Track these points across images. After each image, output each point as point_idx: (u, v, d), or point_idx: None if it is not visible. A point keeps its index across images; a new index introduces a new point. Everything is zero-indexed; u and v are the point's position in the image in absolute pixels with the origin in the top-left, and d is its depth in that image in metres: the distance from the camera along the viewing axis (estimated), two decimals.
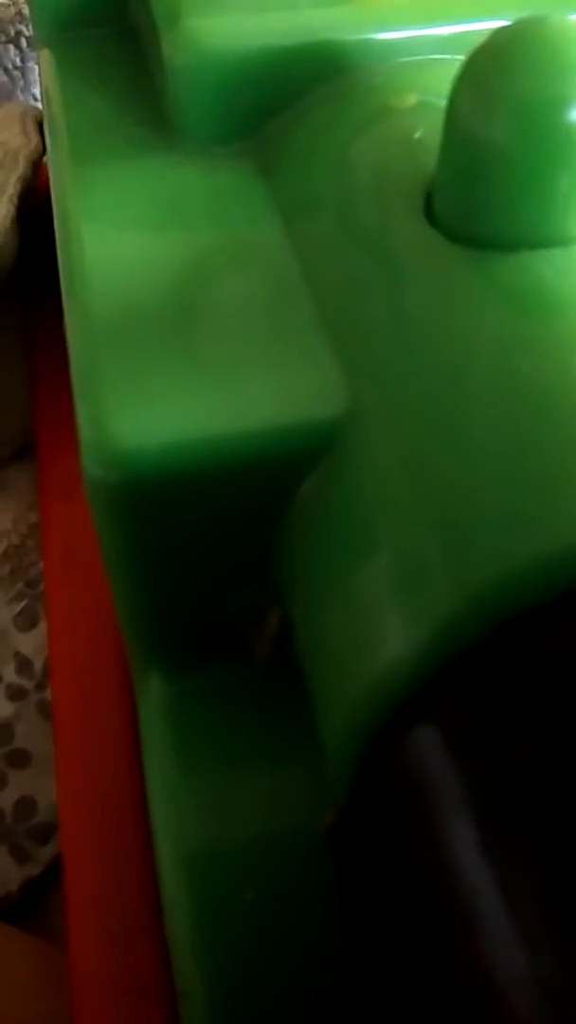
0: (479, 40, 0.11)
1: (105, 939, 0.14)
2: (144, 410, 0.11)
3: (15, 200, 0.24)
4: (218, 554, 0.12)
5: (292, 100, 0.14)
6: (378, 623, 0.10)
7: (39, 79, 0.16)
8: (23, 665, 0.21)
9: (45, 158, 0.23)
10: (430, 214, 0.12)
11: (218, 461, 0.11)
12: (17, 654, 0.21)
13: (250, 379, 0.11)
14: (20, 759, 0.20)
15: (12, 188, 0.24)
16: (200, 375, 0.11)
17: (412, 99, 0.14)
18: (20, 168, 0.25)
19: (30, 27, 0.30)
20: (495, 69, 0.11)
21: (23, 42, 0.34)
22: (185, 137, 0.14)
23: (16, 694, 0.21)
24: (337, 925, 0.12)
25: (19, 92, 0.35)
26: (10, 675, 0.21)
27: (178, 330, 0.12)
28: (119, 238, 0.13)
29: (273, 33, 0.14)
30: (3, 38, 0.33)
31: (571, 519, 0.09)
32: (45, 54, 0.16)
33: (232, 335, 0.12)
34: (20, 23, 0.33)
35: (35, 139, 0.26)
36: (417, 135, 0.13)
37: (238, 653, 0.14)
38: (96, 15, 0.16)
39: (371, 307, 0.12)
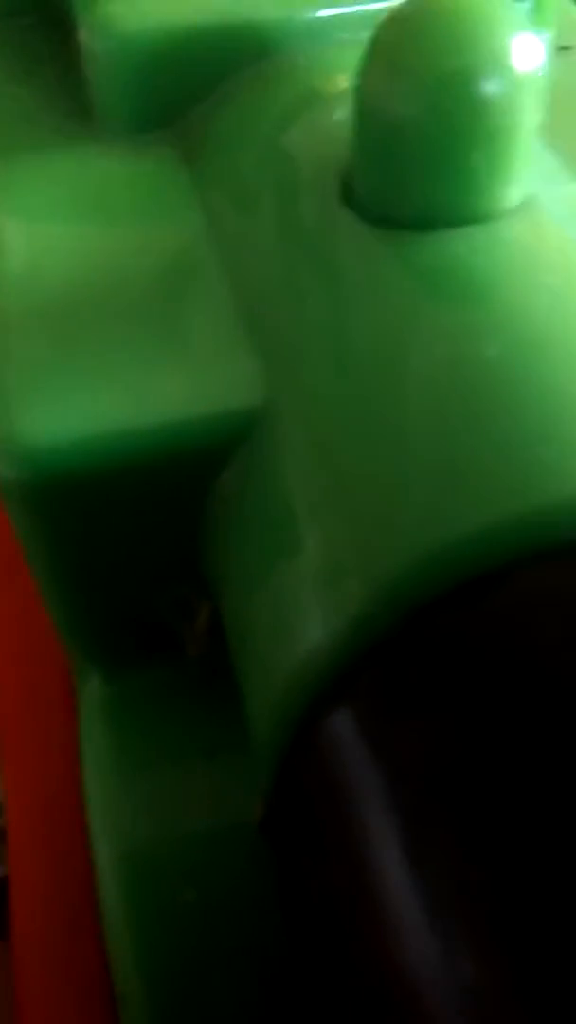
0: None
1: (48, 943, 0.14)
2: (54, 406, 0.11)
3: None
4: (141, 551, 0.12)
5: (215, 84, 0.14)
6: (298, 615, 0.10)
7: None
8: None
9: None
10: (347, 197, 0.12)
11: (132, 454, 0.11)
12: None
13: (164, 372, 0.11)
14: None
15: None
16: (110, 369, 0.11)
17: (336, 81, 0.13)
18: None
19: None
20: (401, 43, 0.10)
21: None
22: (107, 126, 0.14)
23: None
24: (278, 924, 0.12)
25: None
26: None
27: (87, 324, 0.11)
28: (33, 231, 0.13)
29: (193, 14, 0.13)
30: None
31: (476, 508, 0.09)
32: None
33: (143, 328, 0.11)
34: None
35: None
36: (336, 117, 0.12)
37: (174, 651, 0.13)
38: (19, 4, 0.16)
39: (284, 293, 0.11)
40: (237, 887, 0.13)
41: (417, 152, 0.11)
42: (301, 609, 0.10)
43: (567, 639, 0.08)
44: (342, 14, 0.14)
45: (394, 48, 0.10)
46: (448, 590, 0.09)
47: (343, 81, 0.13)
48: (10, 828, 0.15)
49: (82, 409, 0.11)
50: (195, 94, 0.14)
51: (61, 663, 0.15)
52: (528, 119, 0.11)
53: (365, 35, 0.14)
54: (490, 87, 0.10)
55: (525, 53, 0.10)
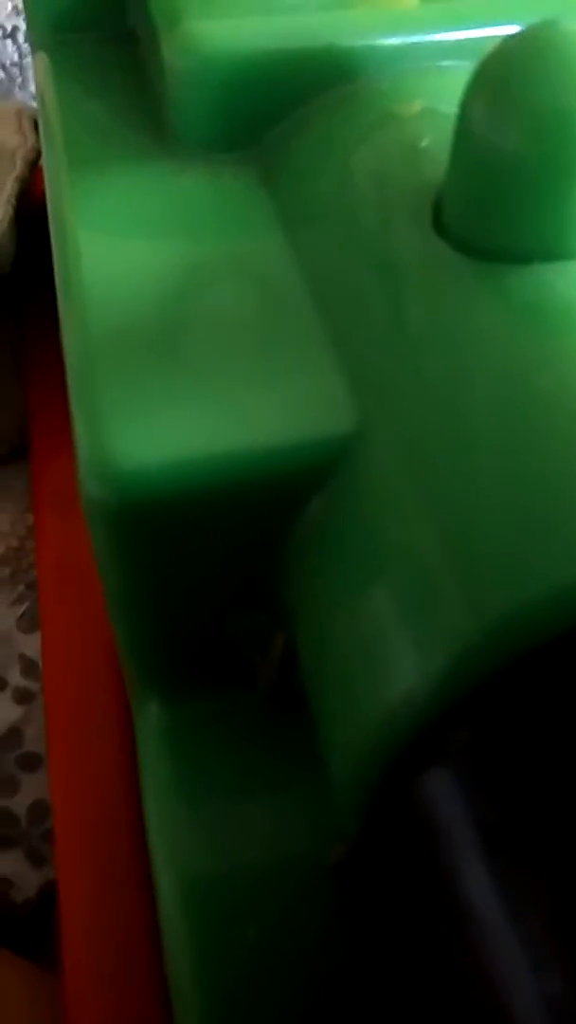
0: (487, 46, 0.11)
1: (99, 976, 0.14)
2: (145, 428, 0.11)
3: (13, 201, 0.24)
4: (220, 576, 0.12)
5: (295, 106, 0.14)
6: (389, 651, 0.10)
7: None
8: (28, 667, 0.21)
9: (42, 159, 0.23)
10: (438, 225, 0.12)
11: (222, 480, 0.11)
12: (22, 656, 0.21)
13: (254, 395, 0.11)
14: (31, 762, 0.19)
15: (9, 189, 0.24)
16: (202, 391, 0.11)
17: (418, 106, 0.13)
18: (17, 168, 0.25)
19: None
20: (509, 77, 0.10)
21: (20, 37, 0.33)
22: (185, 144, 0.14)
23: (23, 697, 0.20)
24: (338, 960, 0.12)
25: (17, 90, 0.34)
26: (16, 678, 0.21)
27: (178, 344, 0.11)
28: (117, 248, 0.12)
29: (276, 37, 0.13)
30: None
31: None
32: (41, 57, 0.16)
33: (234, 349, 0.11)
34: (17, 17, 0.32)
35: (31, 138, 0.25)
36: (423, 144, 0.12)
37: (239, 678, 0.13)
38: (93, 18, 0.16)
39: (379, 321, 0.11)
40: (297, 923, 0.12)
41: (519, 186, 0.11)
42: (393, 644, 0.10)
43: None
44: (423, 42, 0.14)
45: (501, 81, 0.10)
46: (560, 633, 0.09)
47: (425, 106, 0.13)
48: (57, 844, 0.15)
49: (172, 432, 0.11)
50: (275, 116, 0.14)
51: (113, 684, 0.15)
52: None
53: (446, 62, 0.14)
54: None
55: None
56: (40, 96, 0.15)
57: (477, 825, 0.09)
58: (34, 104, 0.29)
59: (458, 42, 0.14)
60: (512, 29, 0.11)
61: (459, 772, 0.09)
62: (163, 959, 0.13)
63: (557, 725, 0.09)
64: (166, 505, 0.11)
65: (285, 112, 0.14)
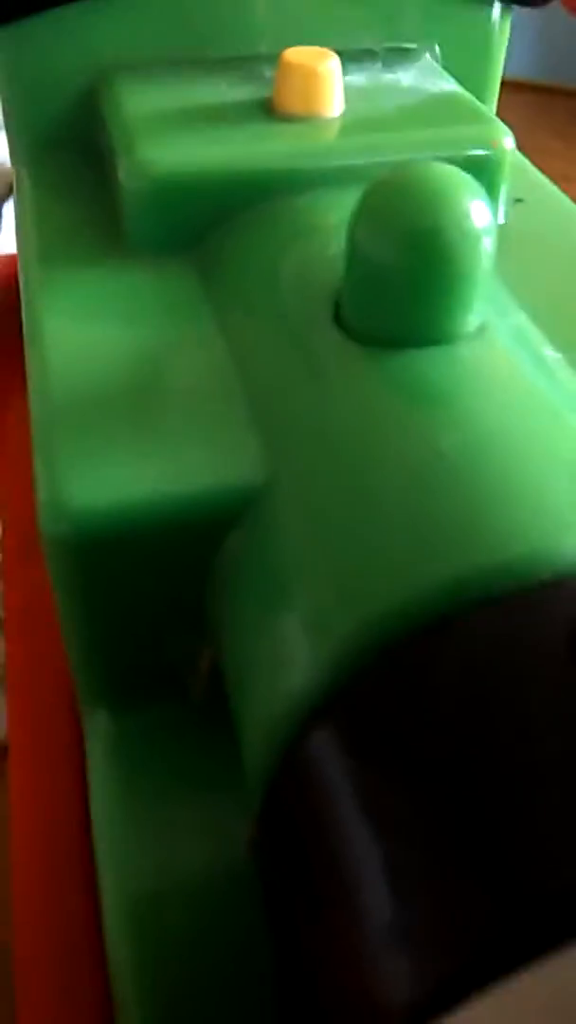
0: (385, 171, 0.14)
1: (50, 968, 0.15)
2: (94, 475, 0.13)
3: None
4: (157, 602, 0.14)
5: (228, 218, 0.17)
6: (287, 656, 0.12)
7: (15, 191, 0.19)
8: None
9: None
10: (337, 318, 0.14)
11: (155, 518, 0.13)
12: None
13: (186, 451, 0.14)
14: None
15: None
16: (143, 447, 0.13)
17: (327, 220, 0.16)
18: None
19: None
20: (387, 204, 0.13)
21: None
22: (136, 247, 0.17)
23: None
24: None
25: None
26: None
27: (125, 408, 0.14)
28: (78, 330, 0.15)
29: (212, 162, 0.16)
30: None
31: (441, 567, 0.11)
32: (22, 172, 0.19)
33: (172, 414, 0.14)
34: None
35: None
36: (329, 253, 0.15)
37: (178, 692, 0.16)
38: (67, 139, 0.19)
39: (288, 394, 0.14)
40: (236, 918, 0.14)
41: (395, 288, 0.13)
42: (291, 652, 0.12)
43: (502, 673, 0.10)
44: (334, 166, 0.17)
45: (380, 207, 0.13)
46: (416, 633, 0.11)
47: (333, 221, 0.16)
48: (12, 848, 0.17)
49: (117, 478, 0.13)
50: (211, 226, 0.17)
51: (68, 695, 0.17)
52: (483, 263, 0.13)
53: (353, 184, 0.17)
54: (453, 240, 0.13)
55: (480, 215, 0.13)
56: (19, 204, 0.18)
57: (353, 782, 0.11)
58: None
59: (364, 166, 0.17)
60: (404, 158, 0.14)
61: (336, 743, 0.11)
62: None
63: (412, 703, 0.11)
64: (110, 539, 0.13)
65: (219, 223, 0.17)
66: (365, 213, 0.13)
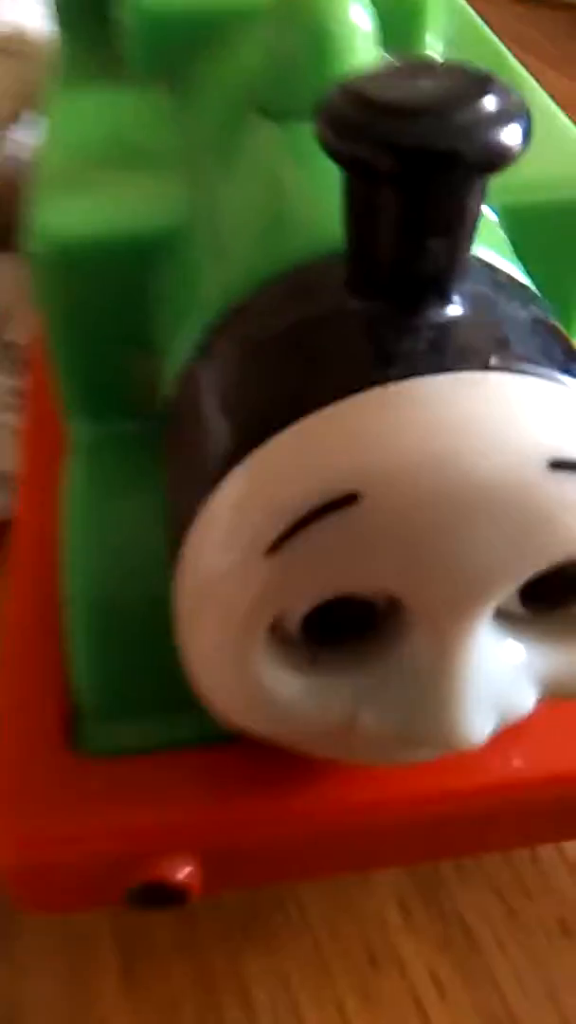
0: None
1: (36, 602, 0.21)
2: (65, 211, 0.18)
3: None
4: (113, 317, 0.19)
5: (201, 49, 0.21)
6: (189, 329, 0.17)
7: None
8: None
9: None
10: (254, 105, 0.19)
11: (107, 244, 0.18)
12: None
13: (134, 198, 0.18)
14: None
15: None
16: (103, 194, 0.18)
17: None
18: None
19: None
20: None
21: None
22: (133, 70, 0.22)
23: None
24: None
25: None
26: None
27: (95, 174, 0.19)
28: (74, 120, 0.20)
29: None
30: None
31: (289, 250, 0.16)
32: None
33: (126, 173, 0.19)
34: None
35: None
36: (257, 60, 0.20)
37: (141, 409, 0.20)
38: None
39: (211, 157, 0.19)
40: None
41: (290, 68, 0.18)
42: (192, 323, 0.17)
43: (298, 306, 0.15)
44: None
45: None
46: (254, 295, 0.16)
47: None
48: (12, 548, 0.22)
49: (80, 218, 0.18)
50: (189, 55, 0.21)
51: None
52: (362, 46, 0.18)
53: None
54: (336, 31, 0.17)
55: (359, 15, 0.17)
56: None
57: (212, 377, 0.16)
58: None
59: None
60: None
61: (208, 360, 0.16)
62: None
63: (250, 327, 0.15)
64: (76, 257, 0.18)
65: (194, 53, 0.21)
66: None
